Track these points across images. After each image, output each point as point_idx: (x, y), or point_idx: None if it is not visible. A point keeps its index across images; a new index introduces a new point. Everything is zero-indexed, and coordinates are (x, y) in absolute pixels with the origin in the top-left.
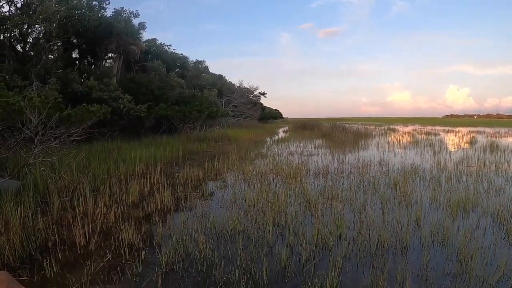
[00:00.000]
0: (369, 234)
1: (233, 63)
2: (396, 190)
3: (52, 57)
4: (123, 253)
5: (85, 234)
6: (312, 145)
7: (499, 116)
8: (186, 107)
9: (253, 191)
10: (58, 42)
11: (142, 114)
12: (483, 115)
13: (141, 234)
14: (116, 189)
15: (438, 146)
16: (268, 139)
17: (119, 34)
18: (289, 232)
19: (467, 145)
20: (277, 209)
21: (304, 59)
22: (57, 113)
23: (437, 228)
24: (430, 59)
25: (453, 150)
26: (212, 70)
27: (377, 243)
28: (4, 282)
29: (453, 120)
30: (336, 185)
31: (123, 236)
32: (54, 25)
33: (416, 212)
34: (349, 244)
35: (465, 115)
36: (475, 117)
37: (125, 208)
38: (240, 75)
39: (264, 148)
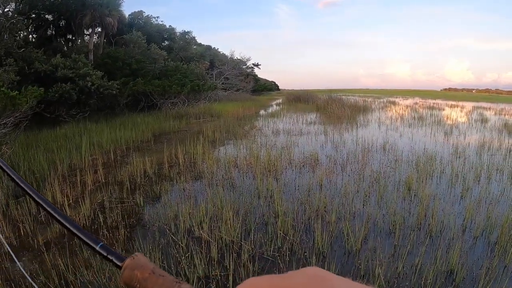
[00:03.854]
0: None
1: (230, 36)
2: (411, 199)
3: (19, 36)
4: None
5: None
6: (304, 121)
7: (497, 92)
8: (166, 81)
9: (203, 201)
10: (20, 18)
11: (114, 92)
12: (482, 89)
13: None
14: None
15: (448, 125)
16: (256, 113)
17: (93, 5)
18: None
19: (479, 123)
20: (221, 244)
21: (302, 30)
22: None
23: None
24: (430, 32)
25: (465, 129)
26: (211, 44)
27: None
28: (147, 266)
29: (452, 94)
30: (326, 186)
31: None
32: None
33: (447, 255)
34: None
35: (463, 89)
36: (473, 91)
37: (29, 230)
38: (238, 49)
39: (247, 125)
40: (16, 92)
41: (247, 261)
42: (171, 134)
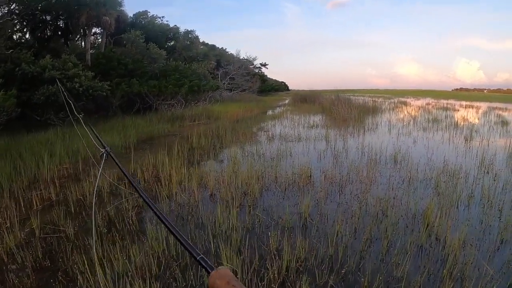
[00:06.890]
0: None
1: (238, 36)
2: (431, 247)
3: (10, 37)
4: None
5: None
6: (305, 124)
7: (509, 91)
8: (163, 81)
9: (143, 241)
10: (8, 19)
11: (105, 93)
12: (494, 89)
13: None
14: None
15: (466, 128)
16: (257, 115)
17: (89, 4)
18: None
19: (499, 126)
20: None
21: (311, 30)
22: None
23: None
24: (439, 31)
25: (486, 134)
26: (218, 44)
27: None
28: (225, 278)
29: (464, 94)
30: (313, 220)
31: None
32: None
33: None
34: None
35: (474, 89)
36: (485, 91)
37: None
38: (246, 48)
39: (242, 129)
40: None
41: None
42: (158, 138)
